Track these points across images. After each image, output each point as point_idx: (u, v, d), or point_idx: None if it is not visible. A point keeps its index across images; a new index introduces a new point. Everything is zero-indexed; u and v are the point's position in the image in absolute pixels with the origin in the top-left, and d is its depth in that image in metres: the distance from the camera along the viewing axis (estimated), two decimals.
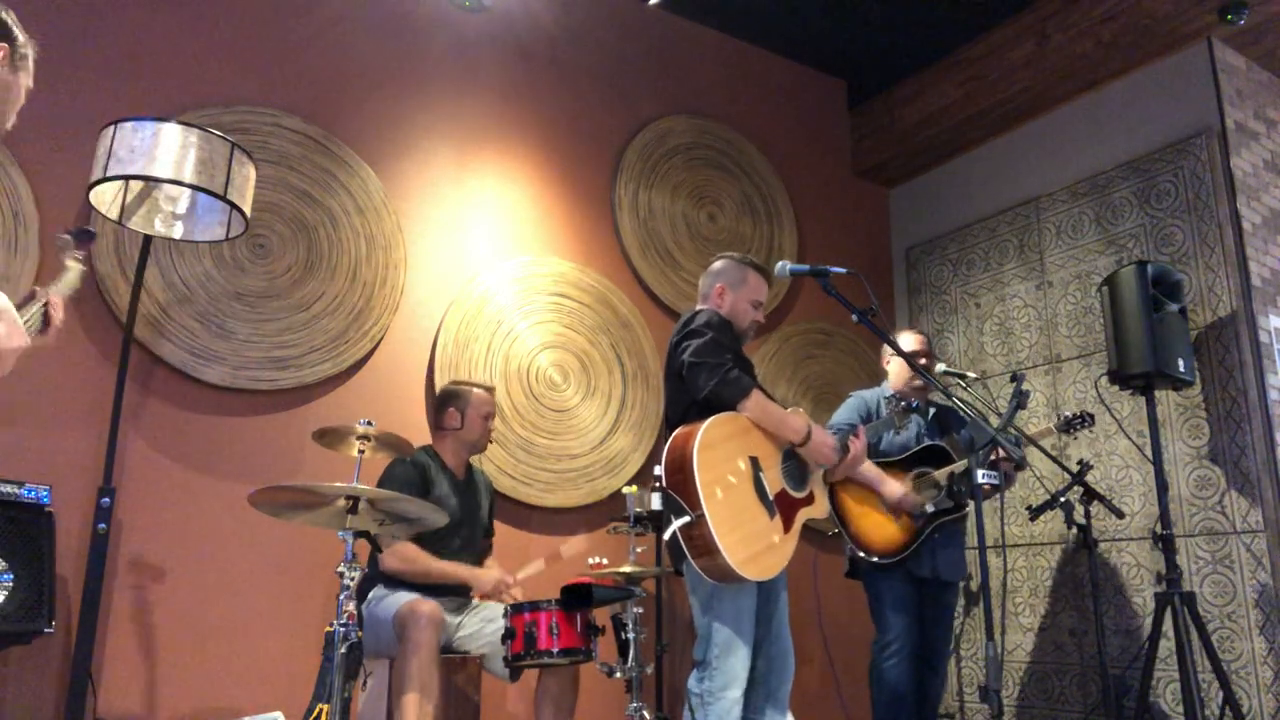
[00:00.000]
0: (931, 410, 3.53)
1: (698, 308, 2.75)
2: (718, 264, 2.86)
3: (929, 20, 4.65)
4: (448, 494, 3.04)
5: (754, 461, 2.53)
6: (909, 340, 3.56)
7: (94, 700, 2.74)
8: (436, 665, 2.61)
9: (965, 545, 3.47)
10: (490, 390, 3.25)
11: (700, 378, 2.51)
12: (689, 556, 2.39)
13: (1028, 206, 4.66)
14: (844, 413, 3.42)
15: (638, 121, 4.51)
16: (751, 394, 2.53)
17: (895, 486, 3.24)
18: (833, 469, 2.82)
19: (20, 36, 1.72)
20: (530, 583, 3.14)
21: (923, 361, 3.48)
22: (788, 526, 2.56)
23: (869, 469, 3.25)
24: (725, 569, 2.35)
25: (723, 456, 2.45)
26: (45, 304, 1.77)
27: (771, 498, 2.53)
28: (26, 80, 1.75)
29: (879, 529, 3.25)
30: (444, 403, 3.18)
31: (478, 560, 3.17)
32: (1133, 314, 3.53)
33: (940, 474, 3.27)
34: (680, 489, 2.40)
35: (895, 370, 3.53)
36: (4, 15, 1.69)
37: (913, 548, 3.22)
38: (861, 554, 3.22)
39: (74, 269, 2.02)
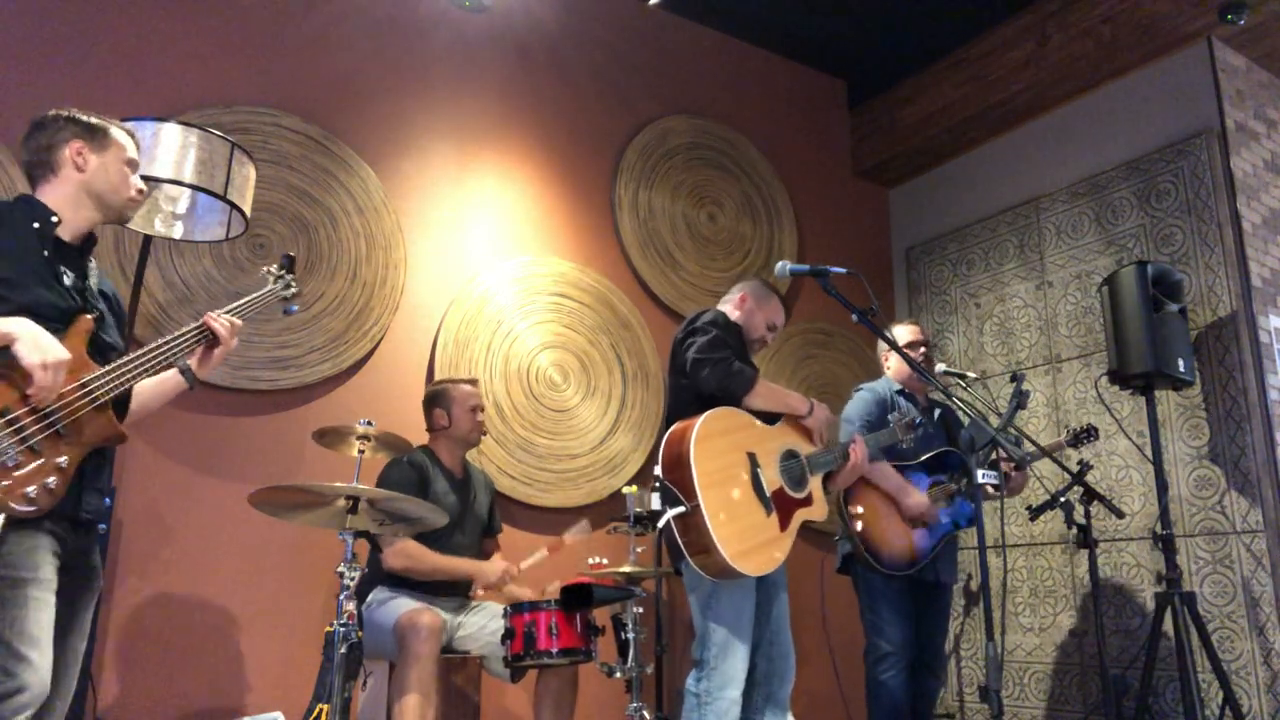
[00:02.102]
0: (938, 411, 3.51)
1: (702, 309, 2.77)
2: (748, 280, 2.98)
3: (929, 20, 4.65)
4: (446, 492, 3.04)
5: (751, 458, 2.53)
6: (904, 332, 3.52)
7: (94, 700, 2.74)
8: (436, 675, 2.61)
9: (958, 548, 3.45)
10: (473, 383, 3.24)
11: (704, 374, 2.53)
12: (685, 553, 2.39)
13: (1028, 206, 4.66)
14: (859, 405, 3.34)
15: (638, 121, 4.51)
16: (757, 382, 2.56)
17: (918, 499, 3.17)
18: (835, 477, 2.82)
19: (94, 121, 1.90)
20: (533, 575, 3.14)
21: (921, 350, 3.46)
22: (784, 525, 2.56)
23: (891, 476, 3.17)
24: (721, 564, 2.34)
25: (720, 450, 2.46)
26: (200, 326, 1.98)
27: (769, 495, 2.53)
28: (121, 154, 1.92)
29: (894, 539, 3.15)
30: (430, 404, 3.18)
31: (480, 559, 3.17)
32: (1133, 314, 3.53)
33: (952, 486, 3.24)
34: (677, 480, 2.40)
35: (896, 364, 3.50)
36: (74, 114, 1.89)
37: (928, 559, 3.18)
38: (877, 566, 3.15)
39: (270, 289, 2.23)
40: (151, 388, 2.03)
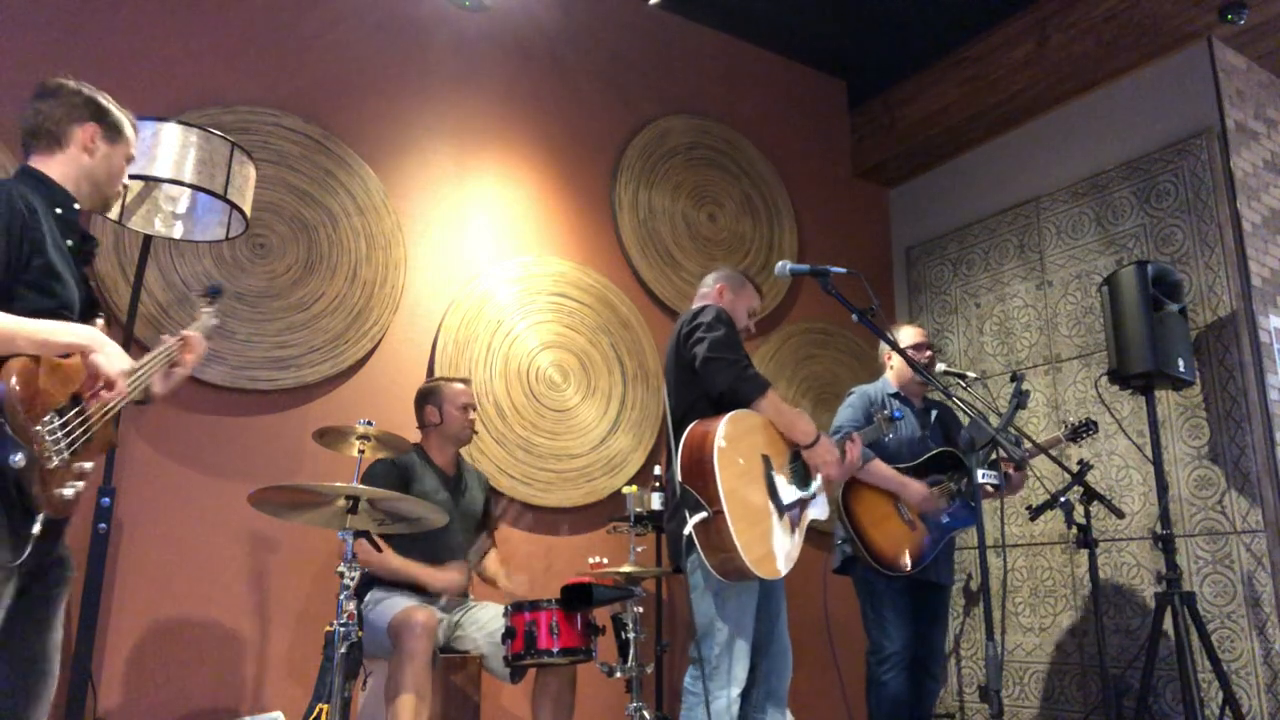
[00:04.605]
0: (934, 412, 3.51)
1: (702, 304, 2.75)
2: (719, 270, 2.95)
3: (929, 20, 4.65)
4: (436, 489, 3.03)
5: (766, 460, 2.53)
6: (908, 334, 3.52)
7: (94, 700, 2.74)
8: (430, 673, 2.61)
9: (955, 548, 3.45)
10: (465, 383, 3.24)
11: (719, 373, 2.50)
12: (702, 552, 2.38)
13: (1028, 206, 4.66)
14: (849, 411, 3.36)
15: (638, 121, 4.51)
16: (768, 392, 2.54)
17: (918, 487, 3.19)
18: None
19: (113, 110, 1.88)
20: (533, 578, 3.14)
21: (926, 354, 3.46)
22: (794, 527, 2.56)
23: (887, 472, 3.18)
24: (739, 566, 2.34)
25: (740, 453, 2.45)
26: (170, 347, 1.98)
27: (781, 497, 2.53)
28: (126, 150, 1.92)
29: (895, 541, 3.15)
30: (421, 401, 3.18)
31: (476, 557, 3.18)
32: (1133, 314, 3.53)
33: (953, 483, 3.24)
34: (698, 484, 2.39)
35: (898, 367, 3.50)
36: (93, 95, 1.86)
37: (929, 559, 3.18)
38: (876, 567, 3.13)
39: (202, 320, 2.30)
40: None
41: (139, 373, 1.81)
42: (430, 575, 2.95)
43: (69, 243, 1.75)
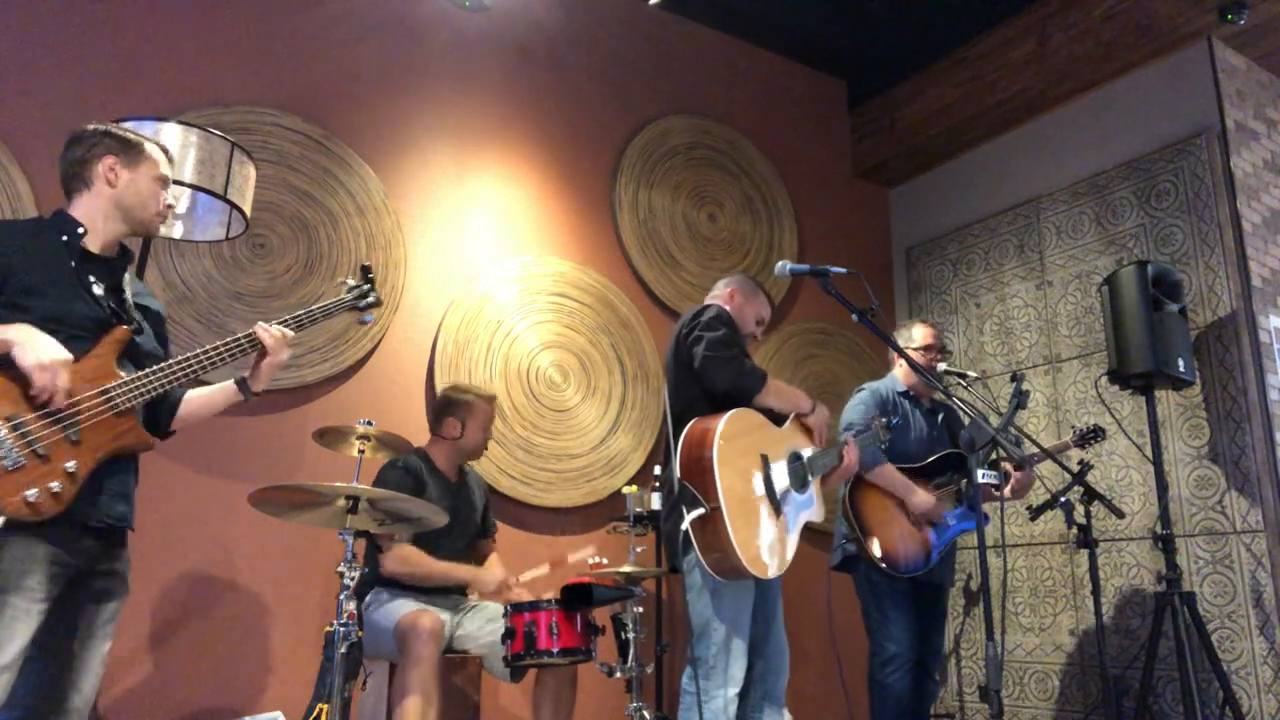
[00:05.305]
0: (941, 415, 3.49)
1: (706, 303, 2.77)
2: (734, 275, 2.99)
3: (929, 20, 4.65)
4: (440, 497, 3.03)
5: (764, 459, 2.54)
6: (920, 332, 3.49)
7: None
8: (437, 676, 2.62)
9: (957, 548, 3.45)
10: (492, 400, 3.23)
11: (718, 371, 2.53)
12: (698, 550, 2.38)
13: (1028, 206, 4.66)
14: (860, 409, 3.31)
15: (638, 121, 4.51)
16: (769, 381, 2.60)
17: (924, 498, 3.17)
18: (828, 476, 2.82)
19: (129, 137, 1.95)
20: (532, 583, 3.14)
21: (936, 355, 3.44)
22: (790, 526, 2.57)
23: (896, 476, 3.17)
24: (735, 564, 2.35)
25: (739, 452, 2.46)
26: (249, 336, 2.02)
27: (779, 497, 2.54)
28: (152, 170, 1.97)
29: (901, 541, 3.13)
30: (445, 410, 3.15)
31: (475, 562, 3.17)
32: (1133, 314, 3.53)
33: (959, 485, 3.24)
34: (697, 480, 2.39)
35: (905, 365, 3.47)
36: (110, 129, 1.94)
37: (935, 560, 3.17)
38: (881, 566, 3.11)
39: (335, 300, 2.27)
40: (203, 397, 2.09)
41: (136, 379, 1.82)
42: (476, 575, 3.00)
43: (71, 264, 1.84)
